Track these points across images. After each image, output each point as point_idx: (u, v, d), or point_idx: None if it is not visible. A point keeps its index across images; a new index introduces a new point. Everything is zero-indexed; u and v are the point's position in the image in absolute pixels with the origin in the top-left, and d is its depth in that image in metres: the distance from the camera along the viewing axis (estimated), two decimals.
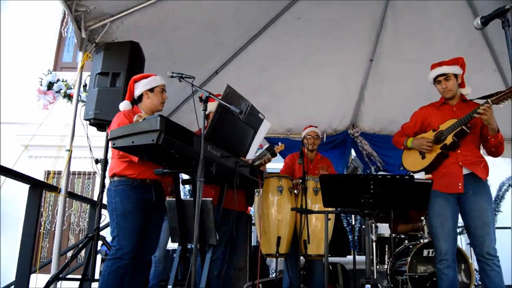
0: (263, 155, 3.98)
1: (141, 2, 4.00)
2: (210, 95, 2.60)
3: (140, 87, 3.12)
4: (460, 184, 3.04)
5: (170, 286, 2.76)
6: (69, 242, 7.94)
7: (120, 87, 3.62)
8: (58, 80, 7.66)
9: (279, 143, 5.07)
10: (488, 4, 4.62)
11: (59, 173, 7.31)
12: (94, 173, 7.76)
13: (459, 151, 3.10)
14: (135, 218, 2.95)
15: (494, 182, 8.32)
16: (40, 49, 8.83)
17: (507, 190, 8.10)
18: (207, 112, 3.51)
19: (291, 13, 5.11)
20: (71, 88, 7.46)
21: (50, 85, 7.58)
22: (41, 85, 7.65)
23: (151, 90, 3.13)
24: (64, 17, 8.47)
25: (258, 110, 3.14)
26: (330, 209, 3.48)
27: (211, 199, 2.83)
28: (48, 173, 8.04)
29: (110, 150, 3.85)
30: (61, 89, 7.56)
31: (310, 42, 5.42)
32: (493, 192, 8.18)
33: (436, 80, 3.27)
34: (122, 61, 3.67)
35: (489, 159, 3.28)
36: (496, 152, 3.12)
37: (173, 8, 4.21)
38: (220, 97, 2.72)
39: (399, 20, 5.20)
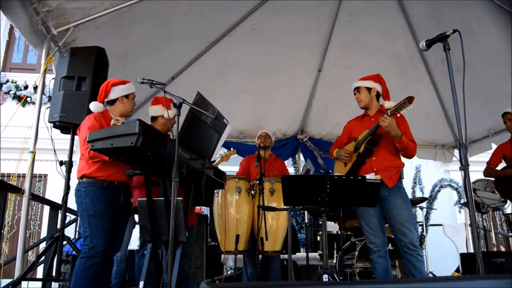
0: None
1: (104, 8, 4.10)
2: (184, 102, 2.79)
3: (117, 92, 3.24)
4: None
5: (142, 282, 2.89)
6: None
7: (85, 91, 3.70)
8: (7, 81, 7.43)
9: (231, 148, 5.33)
10: (423, 22, 5.19)
11: (9, 175, 7.12)
12: (46, 175, 7.62)
13: (374, 158, 3.47)
14: (106, 218, 3.08)
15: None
16: None
17: (439, 191, 8.84)
18: (153, 115, 3.73)
19: (246, 24, 5.37)
20: (21, 90, 7.28)
21: None
22: None
23: (127, 96, 3.27)
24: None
25: (223, 116, 3.37)
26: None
27: (181, 198, 3.00)
28: (2, 175, 7.78)
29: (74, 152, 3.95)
30: (10, 90, 7.33)
31: (263, 53, 5.74)
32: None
33: (354, 93, 3.72)
34: (88, 66, 3.75)
35: None
36: (405, 155, 3.49)
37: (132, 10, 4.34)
38: (191, 103, 2.91)
39: (346, 32, 5.62)
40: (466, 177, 2.23)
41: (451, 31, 2.24)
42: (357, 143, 3.55)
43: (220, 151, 5.89)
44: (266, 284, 3.58)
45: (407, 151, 3.43)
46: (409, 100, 3.16)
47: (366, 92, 3.62)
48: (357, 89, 3.67)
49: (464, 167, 2.24)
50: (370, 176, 3.06)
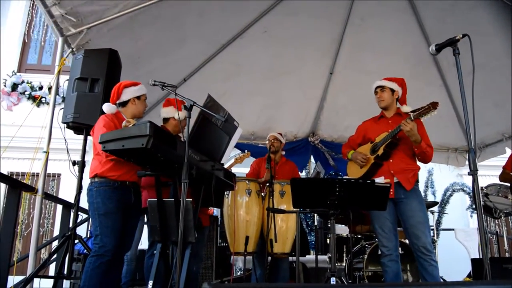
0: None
1: (118, 10, 4.14)
2: (195, 104, 2.82)
3: (129, 93, 3.29)
4: (391, 190, 3.34)
5: (151, 281, 2.92)
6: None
7: (98, 93, 3.74)
8: (22, 82, 7.55)
9: (246, 151, 5.34)
10: (435, 24, 5.15)
11: (23, 174, 7.23)
12: (59, 175, 7.73)
13: (391, 161, 3.47)
14: (116, 217, 3.11)
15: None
16: (3, 49, 8.60)
17: (451, 195, 8.75)
18: (164, 116, 3.78)
19: (258, 26, 5.39)
20: (36, 90, 7.39)
21: (14, 86, 7.47)
22: (5, 86, 7.48)
23: (138, 97, 3.31)
24: (31, 19, 8.39)
25: (233, 118, 3.38)
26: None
27: (191, 199, 3.02)
28: (17, 174, 7.89)
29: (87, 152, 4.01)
30: (25, 91, 7.45)
31: (274, 54, 5.74)
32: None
33: (375, 91, 3.69)
34: (101, 68, 3.80)
35: None
36: (422, 159, 3.51)
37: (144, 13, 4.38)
38: (202, 105, 2.93)
39: (357, 34, 5.60)
40: (474, 182, 2.22)
41: (461, 36, 2.23)
42: (375, 145, 3.53)
43: (233, 152, 5.94)
44: (275, 286, 3.60)
45: (424, 156, 3.44)
46: (434, 106, 3.15)
47: (390, 93, 3.61)
48: (381, 88, 3.64)
49: (473, 172, 2.23)
50: (379, 180, 3.05)
